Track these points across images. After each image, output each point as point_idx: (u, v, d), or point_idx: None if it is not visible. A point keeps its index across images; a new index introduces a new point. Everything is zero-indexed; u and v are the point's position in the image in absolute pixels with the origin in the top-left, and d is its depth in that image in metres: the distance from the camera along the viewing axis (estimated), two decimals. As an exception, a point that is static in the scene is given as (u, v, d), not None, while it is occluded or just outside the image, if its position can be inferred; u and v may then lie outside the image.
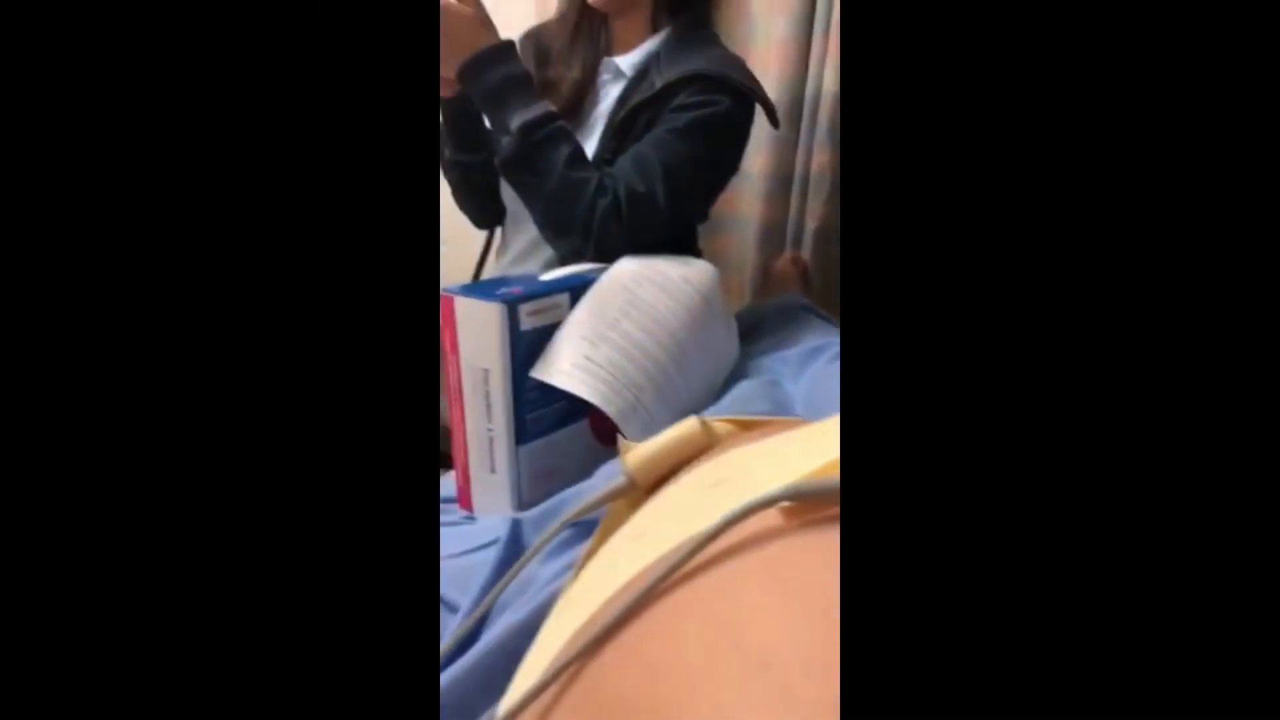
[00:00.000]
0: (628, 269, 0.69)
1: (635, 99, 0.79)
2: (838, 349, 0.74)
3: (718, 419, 0.34)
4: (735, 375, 0.75)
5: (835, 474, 0.21)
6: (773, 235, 1.18)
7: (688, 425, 0.30)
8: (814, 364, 0.73)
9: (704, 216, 0.90)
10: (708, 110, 0.75)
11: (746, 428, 0.33)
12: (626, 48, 0.85)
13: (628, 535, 0.26)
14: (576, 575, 0.29)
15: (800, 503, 0.20)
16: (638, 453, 0.30)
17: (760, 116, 0.85)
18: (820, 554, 0.19)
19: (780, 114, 1.15)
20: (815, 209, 1.13)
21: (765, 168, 1.15)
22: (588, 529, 0.41)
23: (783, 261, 1.14)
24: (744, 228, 1.21)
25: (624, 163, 0.75)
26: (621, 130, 0.79)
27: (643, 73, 0.82)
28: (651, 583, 0.19)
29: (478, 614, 0.37)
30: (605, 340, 0.61)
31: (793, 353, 0.77)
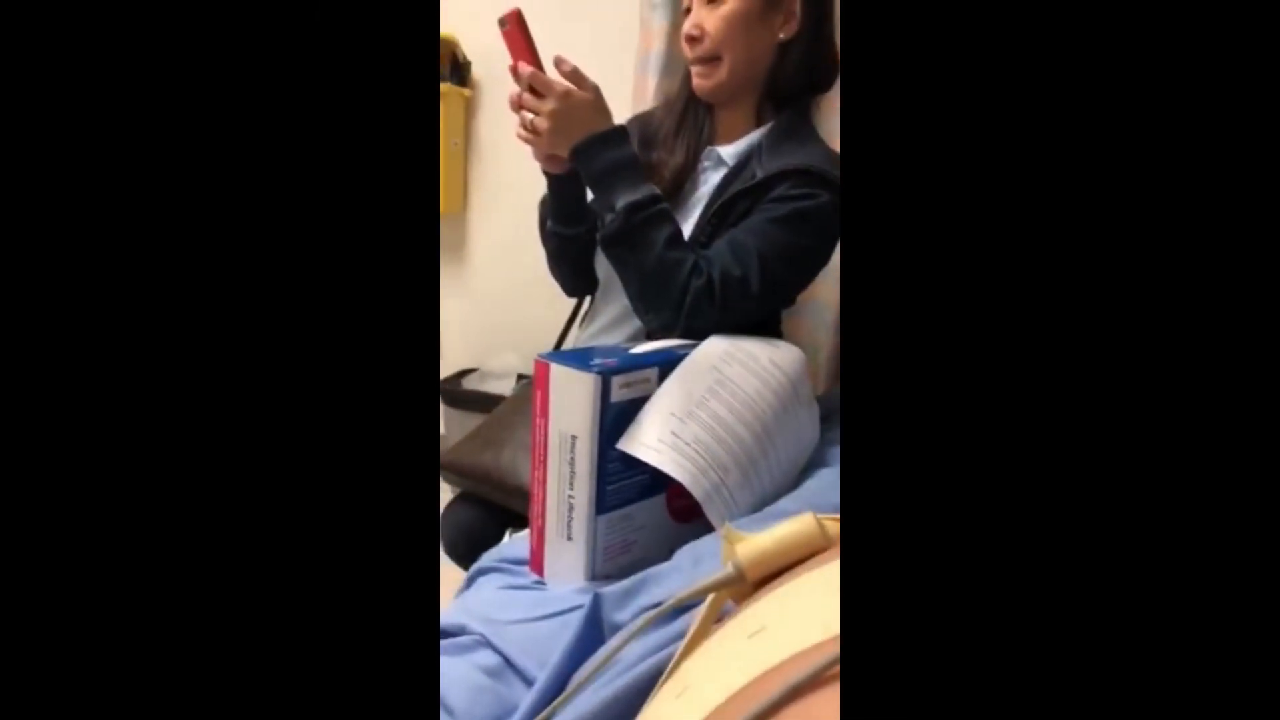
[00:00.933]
0: (717, 348, 0.70)
1: (736, 187, 0.82)
2: None
3: (832, 517, 0.34)
4: (813, 462, 0.75)
5: None
6: (852, 323, 1.18)
7: (803, 522, 0.31)
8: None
9: (790, 302, 0.92)
10: (807, 204, 0.78)
11: None
12: (730, 138, 0.89)
13: (745, 630, 0.26)
14: (679, 663, 0.29)
15: None
16: (750, 545, 0.31)
17: None
18: None
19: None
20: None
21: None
22: (674, 613, 0.41)
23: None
24: (820, 313, 1.22)
25: (721, 246, 0.77)
26: (719, 216, 0.82)
27: (744, 162, 0.85)
28: (788, 689, 0.19)
29: (561, 688, 0.37)
30: (693, 417, 0.62)
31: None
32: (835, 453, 0.77)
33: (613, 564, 0.62)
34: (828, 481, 0.66)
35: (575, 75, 0.73)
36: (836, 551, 0.29)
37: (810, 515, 0.31)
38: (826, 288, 1.22)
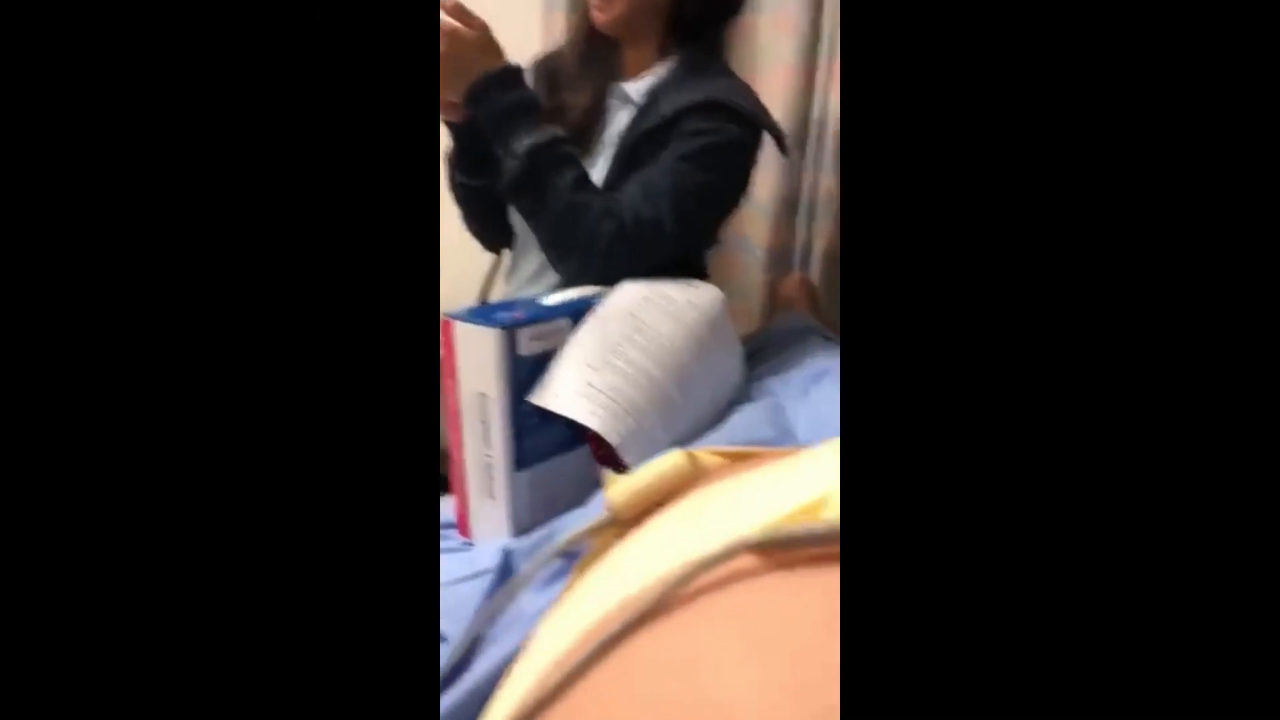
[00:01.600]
0: (632, 293, 0.69)
1: (644, 125, 0.79)
2: None
3: (708, 450, 0.33)
4: (740, 399, 0.75)
5: (812, 518, 0.20)
6: (780, 258, 1.18)
7: (672, 459, 0.30)
8: (818, 387, 0.73)
9: (712, 241, 0.90)
10: (717, 137, 0.76)
11: (737, 459, 0.33)
12: (636, 73, 0.86)
13: (601, 575, 0.25)
14: (552, 613, 0.29)
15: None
16: (620, 486, 0.30)
17: (769, 143, 0.85)
18: (791, 600, 0.18)
19: (789, 138, 1.16)
20: (822, 231, 1.13)
21: (772, 191, 1.16)
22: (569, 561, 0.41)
23: (790, 284, 1.13)
24: (751, 251, 1.21)
25: (631, 188, 0.75)
26: (629, 156, 0.79)
27: (652, 99, 0.82)
28: (615, 630, 0.19)
29: (464, 646, 0.37)
30: (608, 365, 0.61)
31: (796, 376, 0.76)
32: (761, 388, 0.77)
33: (540, 519, 0.61)
34: (748, 416, 0.66)
35: (459, 11, 0.68)
36: (706, 484, 0.29)
37: (680, 451, 0.31)
38: (755, 225, 1.22)
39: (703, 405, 0.68)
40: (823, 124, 1.11)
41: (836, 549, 0.19)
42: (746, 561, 0.20)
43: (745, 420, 0.67)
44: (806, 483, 0.23)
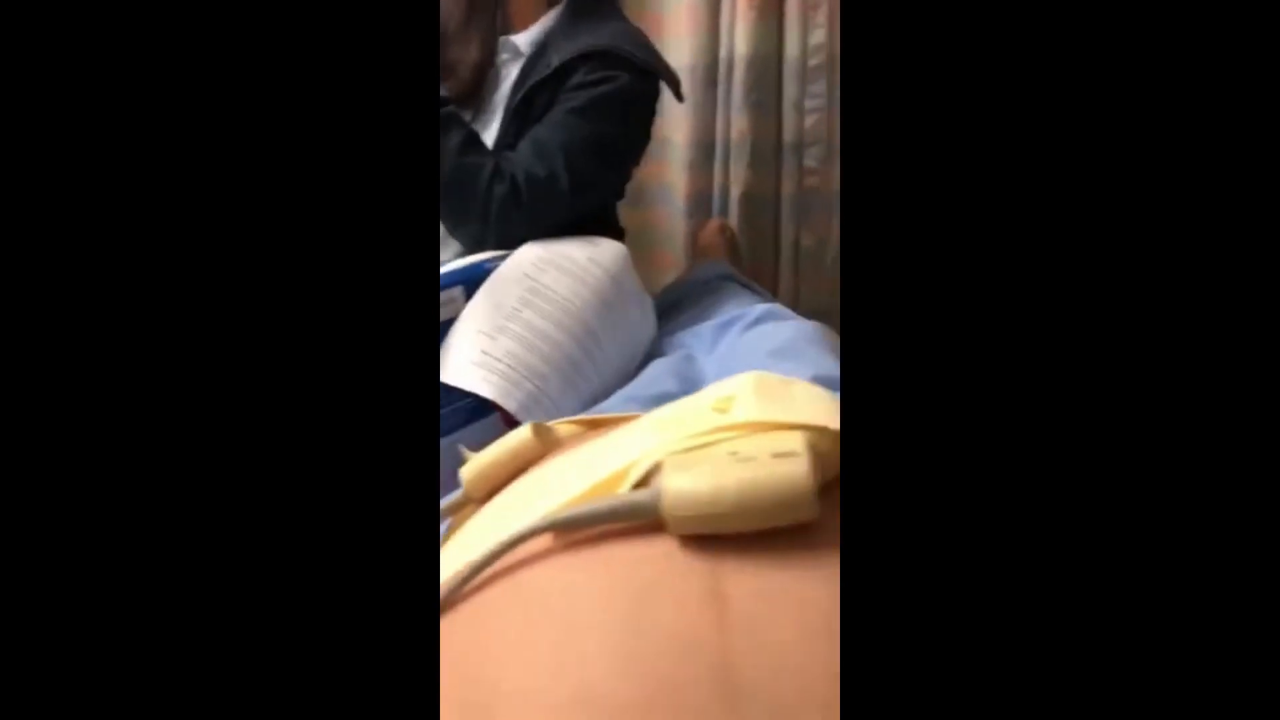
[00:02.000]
0: (529, 255, 0.68)
1: (533, 79, 0.77)
2: (752, 317, 0.74)
3: (563, 421, 0.33)
4: (652, 354, 0.75)
5: (603, 495, 0.21)
6: (700, 204, 1.17)
7: (519, 434, 0.30)
8: (727, 336, 0.73)
9: (619, 194, 0.89)
10: (606, 87, 0.74)
11: (592, 427, 0.33)
12: (524, 24, 0.82)
13: (444, 555, 0.25)
14: None
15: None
16: (472, 464, 0.30)
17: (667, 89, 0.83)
18: (567, 580, 0.19)
19: (697, 79, 1.14)
20: (738, 174, 1.12)
21: (687, 136, 1.14)
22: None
23: (709, 230, 1.13)
24: (671, 198, 1.20)
25: (522, 146, 0.73)
26: (521, 113, 0.77)
27: (541, 50, 0.79)
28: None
29: None
30: (504, 332, 0.60)
31: (707, 326, 0.77)
32: (674, 341, 0.77)
33: (454, 489, 0.61)
34: (655, 371, 0.67)
35: None
36: (554, 456, 0.29)
37: (528, 425, 0.31)
38: (674, 172, 1.20)
39: (611, 364, 0.68)
40: (731, 64, 1.09)
41: (623, 525, 0.20)
42: (543, 542, 0.21)
43: (651, 376, 0.67)
44: (616, 457, 0.23)
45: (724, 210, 1.16)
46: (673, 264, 1.21)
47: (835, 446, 0.20)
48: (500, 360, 0.59)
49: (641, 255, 1.24)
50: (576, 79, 0.74)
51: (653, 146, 1.20)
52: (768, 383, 0.23)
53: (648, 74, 0.77)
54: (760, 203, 1.13)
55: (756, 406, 0.21)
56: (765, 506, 0.17)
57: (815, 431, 0.20)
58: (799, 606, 0.16)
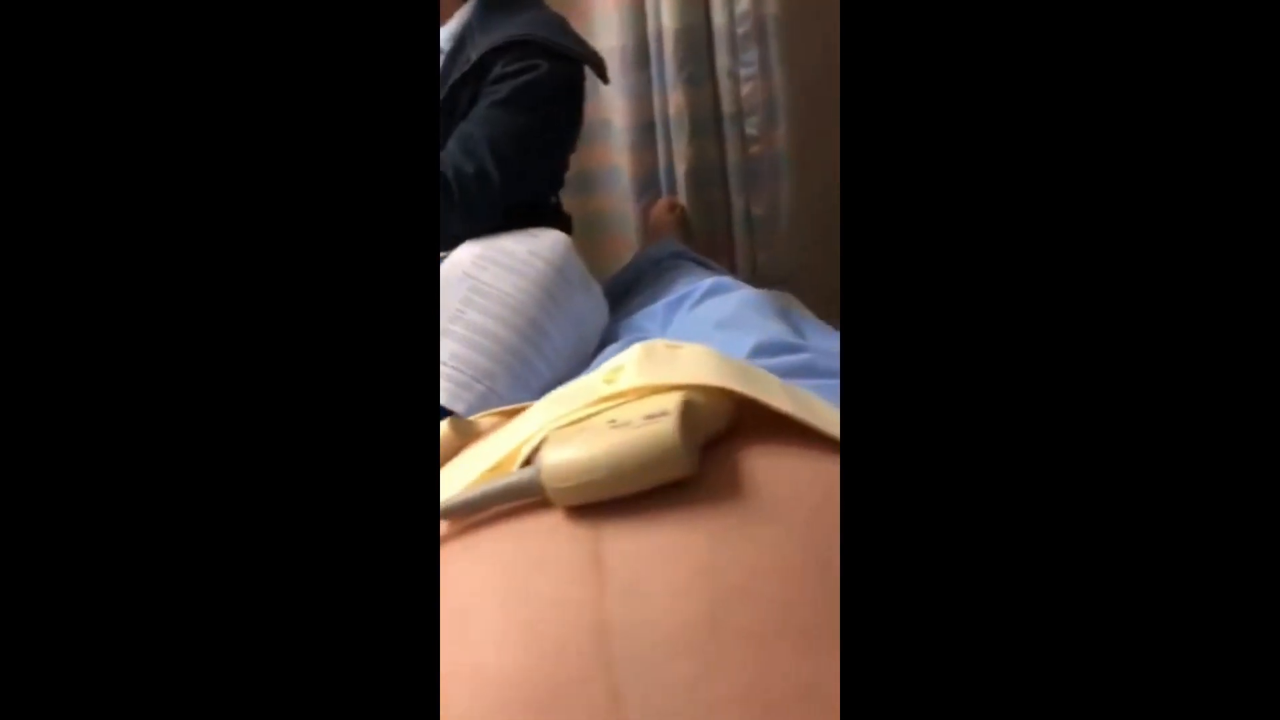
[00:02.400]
0: (468, 254, 0.67)
1: (454, 75, 0.76)
2: (700, 292, 0.74)
3: (483, 415, 0.33)
4: (607, 339, 0.75)
5: (488, 480, 0.21)
6: (648, 183, 1.16)
7: (439, 428, 0.30)
8: (678, 313, 0.73)
9: (557, 183, 0.88)
10: (527, 77, 0.73)
11: (510, 416, 0.33)
12: (445, 18, 0.81)
13: None
14: None
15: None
16: None
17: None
18: (461, 565, 0.19)
19: (628, 58, 1.13)
20: (681, 150, 1.11)
21: (626, 117, 1.13)
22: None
23: (659, 209, 1.12)
24: (618, 181, 1.19)
25: (450, 145, 0.72)
26: (446, 111, 0.76)
27: (459, 45, 0.78)
28: None
29: None
30: (448, 335, 0.60)
31: (659, 305, 0.76)
32: (628, 325, 0.77)
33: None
34: (607, 358, 0.67)
35: None
36: (467, 451, 0.29)
37: (446, 421, 0.30)
38: (617, 153, 1.19)
39: (562, 354, 0.68)
40: (660, 39, 1.08)
41: (512, 505, 0.20)
42: (443, 529, 0.20)
43: (606, 362, 0.67)
44: (511, 439, 0.23)
45: (672, 187, 1.16)
46: (626, 247, 1.20)
47: (717, 402, 0.20)
48: (446, 364, 0.58)
49: (594, 241, 1.23)
50: (497, 71, 0.73)
51: (593, 130, 1.20)
52: (655, 350, 0.23)
53: (568, 59, 0.77)
54: (707, 176, 1.12)
55: (639, 373, 0.21)
56: (636, 468, 0.17)
57: (693, 390, 0.20)
58: (671, 561, 0.16)
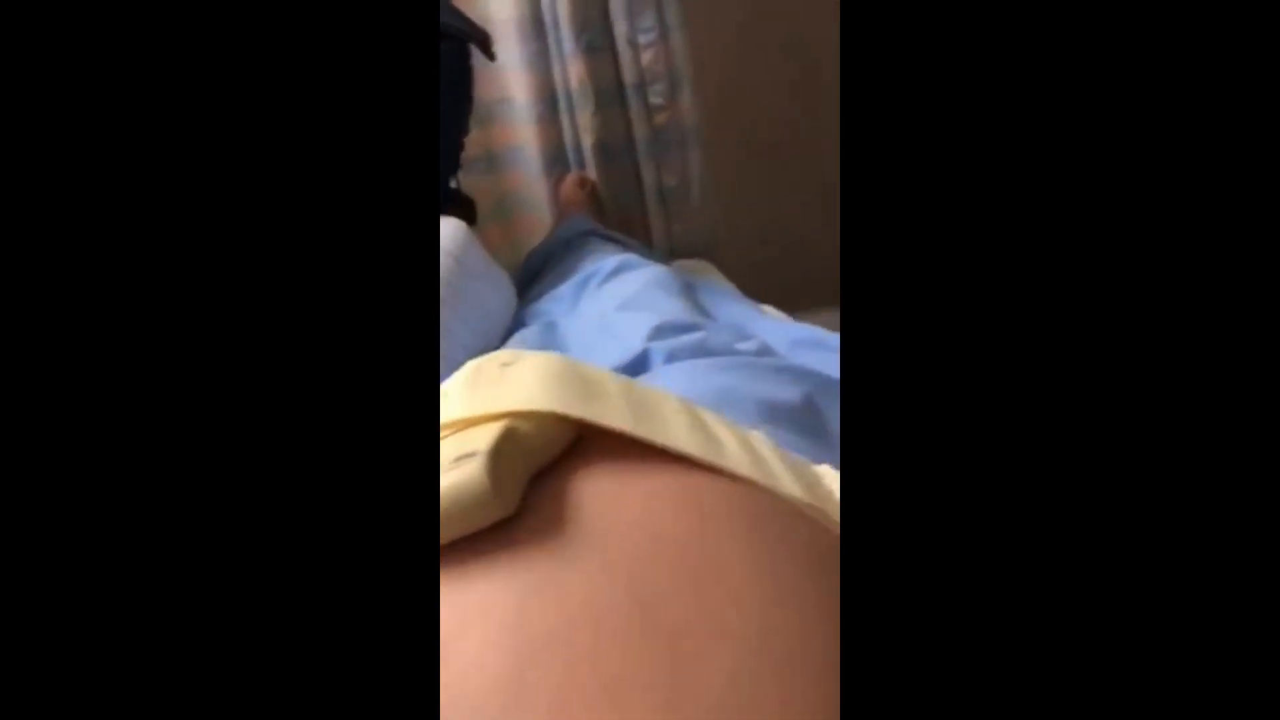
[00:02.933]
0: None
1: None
2: (606, 271, 0.72)
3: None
4: (516, 326, 0.73)
5: None
6: (556, 159, 1.14)
7: None
8: (583, 295, 0.72)
9: (453, 166, 0.85)
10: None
11: None
12: None
13: None
14: None
15: None
16: None
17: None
18: None
19: (525, 30, 1.09)
20: (587, 122, 1.09)
21: (527, 92, 1.09)
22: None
23: (568, 185, 1.10)
24: (525, 159, 1.16)
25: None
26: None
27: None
28: None
29: None
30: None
31: (566, 286, 0.75)
32: (536, 310, 0.75)
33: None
34: (516, 345, 0.65)
35: None
36: None
37: None
38: (522, 130, 1.15)
39: (467, 346, 0.66)
40: (555, 8, 1.04)
41: None
42: None
43: (514, 346, 0.65)
44: None
45: (580, 162, 1.13)
46: (539, 226, 1.17)
47: (550, 426, 0.19)
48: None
49: (505, 222, 1.20)
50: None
51: (494, 108, 1.16)
52: (483, 371, 0.22)
53: (450, 38, 0.73)
54: (615, 148, 1.10)
55: (461, 403, 0.20)
56: (443, 519, 0.16)
57: (519, 418, 0.19)
58: (483, 615, 0.15)
